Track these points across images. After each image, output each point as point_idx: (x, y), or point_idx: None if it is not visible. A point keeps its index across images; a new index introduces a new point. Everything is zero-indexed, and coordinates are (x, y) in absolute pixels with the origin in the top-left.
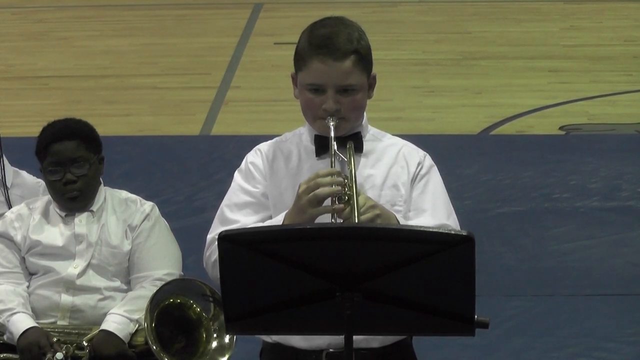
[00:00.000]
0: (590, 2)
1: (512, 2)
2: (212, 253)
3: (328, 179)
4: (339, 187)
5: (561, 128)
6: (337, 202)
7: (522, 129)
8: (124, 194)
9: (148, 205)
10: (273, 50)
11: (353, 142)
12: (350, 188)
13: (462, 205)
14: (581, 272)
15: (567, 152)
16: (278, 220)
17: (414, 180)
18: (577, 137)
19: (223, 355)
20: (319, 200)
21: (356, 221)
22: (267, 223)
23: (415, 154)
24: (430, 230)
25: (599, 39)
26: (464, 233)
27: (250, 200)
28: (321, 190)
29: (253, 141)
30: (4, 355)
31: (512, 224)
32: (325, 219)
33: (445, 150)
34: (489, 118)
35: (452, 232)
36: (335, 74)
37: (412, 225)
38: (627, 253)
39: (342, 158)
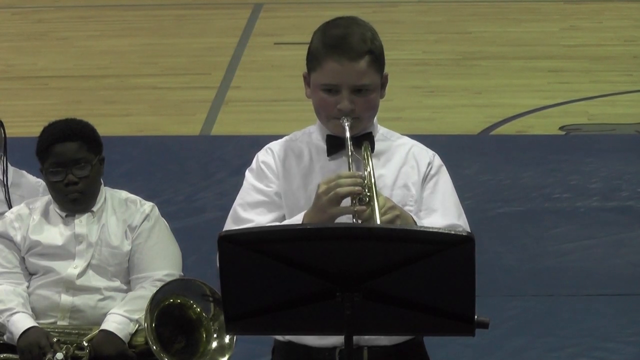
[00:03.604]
0: (590, 2)
1: (512, 2)
2: None
3: (349, 179)
4: (359, 187)
5: (561, 128)
6: (357, 204)
7: (522, 129)
8: (124, 194)
9: (148, 205)
10: (273, 50)
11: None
12: (370, 189)
13: (462, 205)
14: (581, 272)
15: (567, 152)
16: (297, 219)
17: (424, 180)
18: (577, 137)
19: (223, 355)
20: (339, 200)
21: (377, 222)
22: (285, 223)
23: (425, 154)
24: (431, 230)
25: (599, 39)
26: (464, 233)
27: (264, 199)
28: (342, 189)
29: (253, 141)
30: (4, 355)
31: (512, 224)
32: (344, 219)
33: (445, 150)
34: (489, 118)
35: (452, 232)
36: (350, 74)
37: (412, 225)
38: (627, 253)
39: (356, 158)
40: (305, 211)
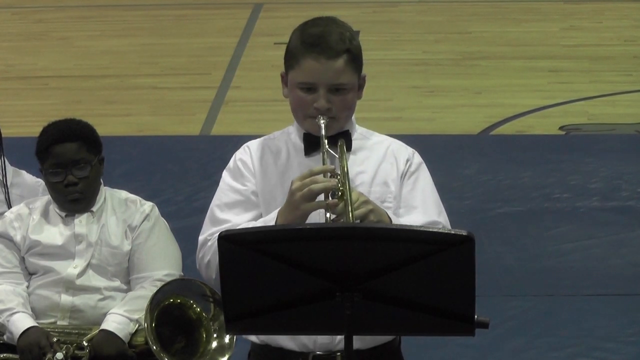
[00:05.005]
0: (590, 2)
1: (512, 2)
2: (205, 254)
3: (322, 175)
4: (334, 182)
5: (561, 128)
6: (330, 198)
7: (522, 129)
8: (124, 194)
9: (148, 205)
10: (273, 50)
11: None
12: (344, 184)
13: (462, 205)
14: (581, 272)
15: (567, 152)
16: (271, 217)
17: (403, 177)
18: (577, 137)
19: (223, 355)
20: (313, 196)
21: (350, 216)
22: (260, 222)
23: (404, 151)
24: (431, 230)
25: (599, 39)
26: (464, 233)
27: (240, 198)
28: (316, 185)
29: None
30: (4, 355)
31: (512, 224)
32: (317, 216)
33: (445, 150)
34: (489, 118)
35: (452, 232)
36: (328, 73)
37: (412, 225)
38: (627, 253)
39: (332, 155)
40: (279, 209)
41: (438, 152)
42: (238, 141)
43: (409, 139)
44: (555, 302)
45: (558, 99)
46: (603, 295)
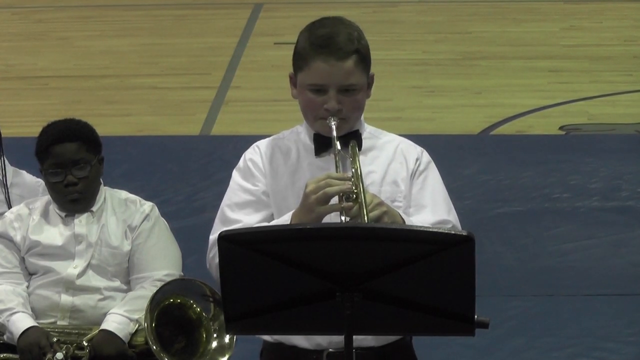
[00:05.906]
0: (590, 2)
1: (512, 2)
2: (215, 254)
3: (338, 180)
4: (349, 185)
5: (561, 128)
6: (344, 201)
7: (522, 129)
8: (124, 194)
9: (148, 205)
10: (273, 50)
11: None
12: (357, 186)
13: (462, 205)
14: (581, 272)
15: (567, 152)
16: (285, 220)
17: (412, 176)
18: (577, 137)
19: (223, 355)
20: (328, 199)
21: (365, 219)
22: (273, 223)
23: (413, 150)
24: (431, 230)
25: (599, 39)
26: (464, 233)
27: (251, 198)
28: (330, 188)
29: (253, 141)
30: (4, 355)
31: (512, 224)
32: (332, 218)
33: (445, 150)
34: (489, 118)
35: (452, 232)
36: (338, 74)
37: (412, 225)
38: (627, 253)
39: (343, 156)
40: (292, 211)
41: (438, 152)
42: (238, 141)
43: (409, 139)
44: (555, 302)
45: (558, 99)
46: (603, 295)
